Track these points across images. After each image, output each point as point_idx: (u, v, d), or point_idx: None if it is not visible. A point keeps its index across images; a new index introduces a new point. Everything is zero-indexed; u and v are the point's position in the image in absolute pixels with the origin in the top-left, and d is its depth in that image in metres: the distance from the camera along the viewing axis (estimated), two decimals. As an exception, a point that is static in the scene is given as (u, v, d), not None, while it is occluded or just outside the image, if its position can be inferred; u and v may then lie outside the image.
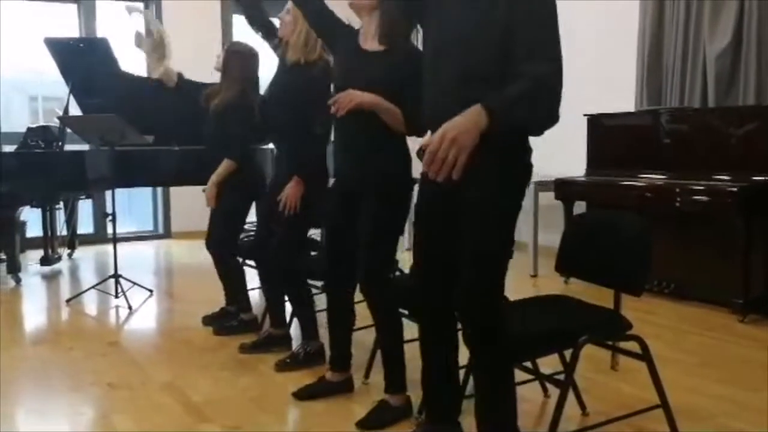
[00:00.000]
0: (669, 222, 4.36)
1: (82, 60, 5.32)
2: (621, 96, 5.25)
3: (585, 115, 4.96)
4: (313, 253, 3.58)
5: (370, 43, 2.54)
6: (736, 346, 3.54)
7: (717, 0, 4.66)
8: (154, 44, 3.89)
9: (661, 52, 5.06)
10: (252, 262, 3.82)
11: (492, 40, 1.81)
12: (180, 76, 4.15)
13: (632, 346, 2.18)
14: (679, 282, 4.36)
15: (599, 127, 4.96)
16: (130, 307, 4.41)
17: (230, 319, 3.90)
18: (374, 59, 2.51)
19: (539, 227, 5.24)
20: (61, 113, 5.38)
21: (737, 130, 4.17)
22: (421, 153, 2.14)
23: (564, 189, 4.98)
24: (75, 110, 5.53)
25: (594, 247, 2.26)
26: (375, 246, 2.53)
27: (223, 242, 3.83)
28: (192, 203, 7.00)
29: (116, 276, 4.58)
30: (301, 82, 3.05)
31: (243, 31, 7.82)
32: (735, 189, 3.91)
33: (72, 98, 5.43)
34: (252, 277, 3.89)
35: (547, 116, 1.79)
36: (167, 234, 7.50)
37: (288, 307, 3.44)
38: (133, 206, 7.76)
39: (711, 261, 4.21)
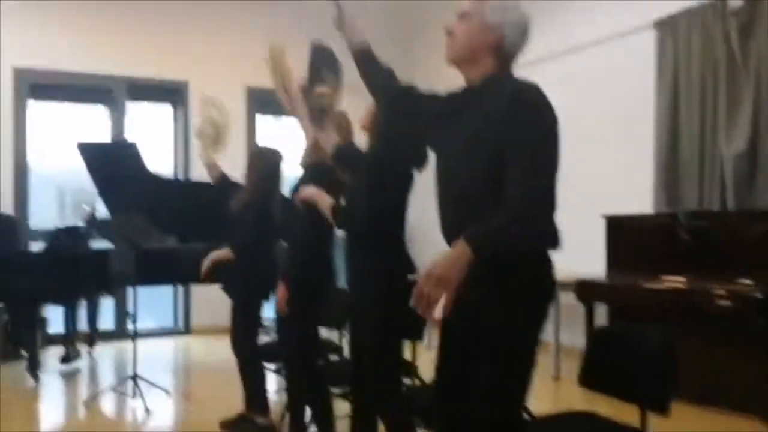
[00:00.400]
0: (692, 325, 4.30)
1: (111, 163, 5.48)
2: (638, 196, 5.28)
3: (603, 216, 4.99)
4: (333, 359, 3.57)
5: None
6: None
7: (731, 102, 4.75)
8: (215, 134, 4.11)
9: (678, 155, 5.11)
10: (271, 365, 3.82)
11: (483, 165, 1.87)
12: (224, 175, 4.33)
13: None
14: (705, 388, 4.25)
15: (618, 228, 4.97)
16: (147, 410, 4.37)
17: (248, 423, 3.85)
18: None
19: (561, 327, 5.19)
20: (88, 209, 5.52)
21: (758, 231, 4.16)
22: None
23: (585, 290, 4.95)
24: (102, 209, 5.66)
25: (617, 363, 2.24)
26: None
27: (245, 343, 3.83)
28: (212, 299, 7.05)
29: (134, 377, 4.57)
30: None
31: (266, 133, 8.06)
32: (759, 295, 3.87)
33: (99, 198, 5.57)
34: (270, 380, 3.86)
35: (533, 240, 1.83)
36: (187, 330, 7.50)
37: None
38: (153, 302, 7.79)
39: (738, 367, 4.12)
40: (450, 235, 1.95)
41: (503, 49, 2.00)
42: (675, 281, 4.44)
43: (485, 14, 1.98)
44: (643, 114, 5.36)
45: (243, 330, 3.86)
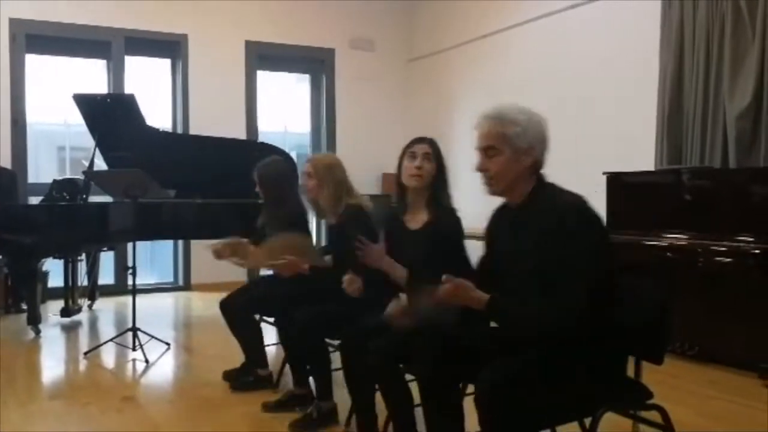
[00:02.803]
0: (692, 282, 4.30)
1: (109, 115, 5.44)
2: (640, 155, 5.25)
3: (604, 173, 4.96)
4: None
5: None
6: (762, 413, 3.44)
7: (736, 60, 4.69)
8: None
9: (682, 112, 5.07)
10: (269, 318, 3.83)
11: (536, 277, 2.01)
12: None
13: (654, 415, 2.13)
14: (703, 344, 4.27)
15: (619, 185, 4.94)
16: (147, 361, 4.40)
17: (248, 374, 3.88)
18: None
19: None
20: (87, 165, 5.49)
21: (759, 190, 4.14)
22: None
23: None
24: (100, 163, 5.62)
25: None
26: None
27: (240, 302, 3.83)
28: (212, 256, 7.06)
29: (134, 329, 4.59)
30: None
31: (265, 86, 8.00)
32: (758, 251, 3.86)
33: (98, 152, 5.53)
34: (268, 333, 3.87)
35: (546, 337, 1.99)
36: (187, 286, 7.53)
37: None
38: (154, 258, 7.83)
39: (736, 323, 4.12)
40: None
41: (539, 164, 2.09)
42: (676, 238, 4.43)
43: (514, 143, 2.04)
44: (648, 69, 5.30)
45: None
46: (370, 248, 2.71)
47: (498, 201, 2.28)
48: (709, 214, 4.35)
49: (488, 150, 2.08)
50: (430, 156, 2.76)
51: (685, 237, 4.39)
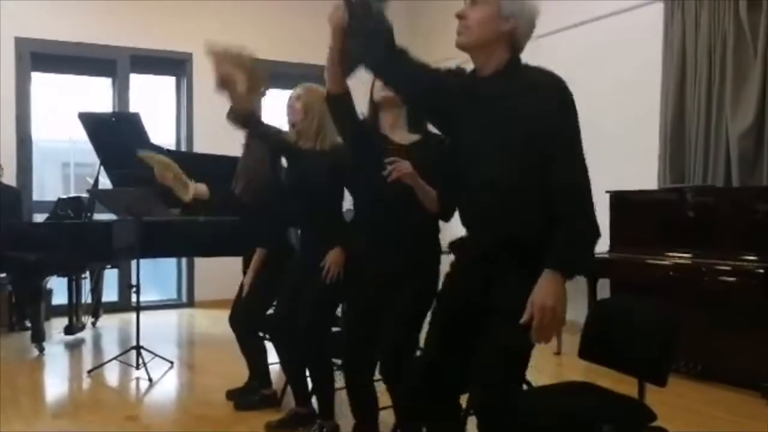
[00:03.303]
0: (696, 301, 4.30)
1: (114, 133, 5.47)
2: (643, 173, 5.26)
3: (607, 191, 4.96)
4: (334, 329, 3.57)
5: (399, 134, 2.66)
6: (767, 433, 3.43)
7: (738, 79, 4.70)
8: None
9: (684, 130, 5.08)
10: (270, 338, 3.82)
11: (521, 156, 1.93)
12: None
13: (658, 437, 2.13)
14: (706, 363, 4.26)
15: (622, 204, 4.95)
16: (150, 380, 4.40)
17: (252, 394, 3.88)
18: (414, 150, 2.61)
19: (563, 303, 5.17)
20: (92, 182, 5.51)
21: (763, 208, 4.14)
22: (453, 245, 2.17)
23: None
24: (105, 181, 5.65)
25: (617, 335, 2.24)
26: (402, 327, 2.56)
27: (246, 319, 3.83)
28: (216, 272, 7.08)
29: (138, 347, 4.59)
30: (319, 170, 3.12)
31: (273, 106, 8.04)
32: (762, 270, 3.86)
33: (102, 170, 5.56)
34: (272, 352, 3.87)
35: (598, 234, 1.97)
36: (190, 303, 7.53)
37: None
38: (157, 275, 7.83)
39: (741, 342, 4.12)
40: (474, 219, 2.05)
41: (516, 38, 2.01)
42: (679, 257, 4.43)
43: (501, 3, 1.98)
44: (650, 88, 5.32)
45: (251, 310, 3.84)
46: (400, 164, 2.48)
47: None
48: (713, 233, 4.35)
49: (475, 1, 2.01)
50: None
51: (688, 256, 4.39)
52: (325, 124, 3.14)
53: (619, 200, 4.96)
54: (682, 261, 4.37)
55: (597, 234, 1.94)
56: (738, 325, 4.14)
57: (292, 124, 3.34)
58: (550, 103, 1.91)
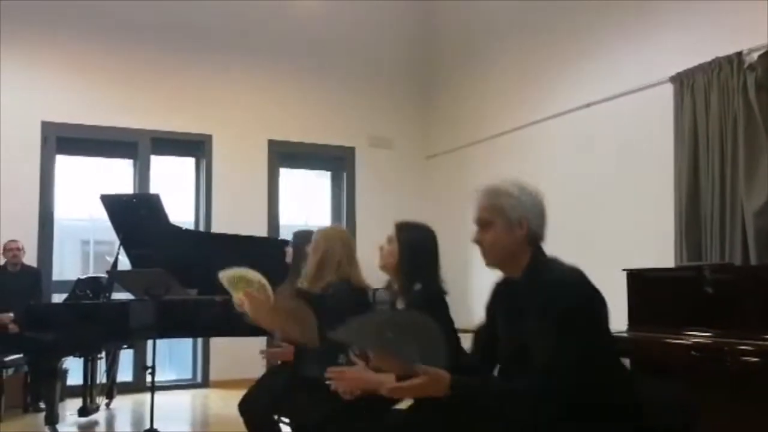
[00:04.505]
0: (718, 382, 4.20)
1: (134, 214, 5.56)
2: (659, 251, 5.24)
3: (624, 270, 4.94)
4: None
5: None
6: None
7: (751, 157, 4.73)
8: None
9: (699, 209, 5.08)
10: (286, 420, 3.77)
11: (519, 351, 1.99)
12: None
13: None
14: (732, 447, 4.12)
15: (640, 282, 4.90)
16: (163, 464, 4.33)
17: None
18: None
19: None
20: (111, 261, 5.57)
21: (783, 286, 4.09)
22: None
23: (607, 345, 4.86)
24: (123, 259, 5.70)
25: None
26: None
27: (260, 404, 3.78)
28: (231, 352, 7.05)
29: (152, 430, 4.53)
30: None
31: (287, 183, 8.16)
32: (785, 350, 3.78)
33: (122, 249, 5.63)
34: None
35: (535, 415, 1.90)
36: (205, 383, 7.47)
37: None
38: (172, 354, 7.80)
39: (764, 424, 4.00)
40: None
41: (533, 235, 2.09)
42: (700, 336, 4.36)
43: (506, 214, 2.07)
44: (663, 169, 5.35)
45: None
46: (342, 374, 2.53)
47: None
48: (734, 312, 4.29)
49: (482, 222, 2.12)
50: (391, 239, 2.85)
51: (709, 335, 4.31)
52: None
53: (637, 279, 4.93)
54: (702, 340, 4.30)
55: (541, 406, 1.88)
56: (762, 406, 4.02)
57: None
58: (550, 304, 1.92)
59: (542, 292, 1.96)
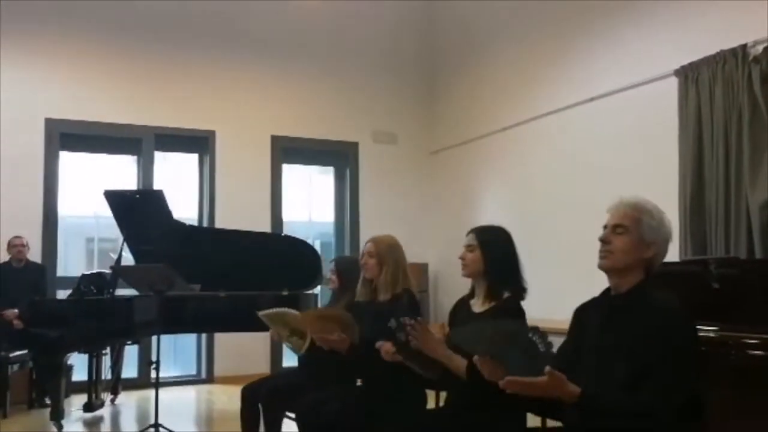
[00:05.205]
0: (724, 375, 4.18)
1: (137, 210, 5.55)
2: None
3: (629, 263, 4.93)
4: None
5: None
6: None
7: (756, 151, 4.70)
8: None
9: (703, 203, 5.06)
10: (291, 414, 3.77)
11: (628, 372, 2.01)
12: None
13: None
14: (738, 441, 4.11)
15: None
16: (168, 459, 4.34)
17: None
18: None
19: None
20: (114, 258, 5.57)
21: (789, 280, 4.08)
22: None
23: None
24: (127, 255, 5.70)
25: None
26: None
27: (264, 391, 3.80)
28: (235, 348, 7.07)
29: (156, 425, 4.55)
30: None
31: (290, 178, 8.16)
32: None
33: (125, 245, 5.63)
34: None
35: None
36: (210, 379, 7.48)
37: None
38: (177, 350, 7.81)
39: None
40: None
41: (653, 264, 2.16)
42: (704, 330, 4.34)
43: (643, 231, 2.14)
44: (667, 162, 5.33)
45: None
46: (426, 333, 2.57)
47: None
48: (739, 306, 4.27)
49: (617, 227, 2.16)
50: (473, 247, 2.78)
51: (714, 329, 4.30)
52: (400, 270, 3.37)
53: (641, 272, 4.91)
54: (707, 334, 4.28)
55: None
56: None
57: (373, 282, 3.44)
58: (667, 329, 2.00)
59: (658, 316, 2.03)
